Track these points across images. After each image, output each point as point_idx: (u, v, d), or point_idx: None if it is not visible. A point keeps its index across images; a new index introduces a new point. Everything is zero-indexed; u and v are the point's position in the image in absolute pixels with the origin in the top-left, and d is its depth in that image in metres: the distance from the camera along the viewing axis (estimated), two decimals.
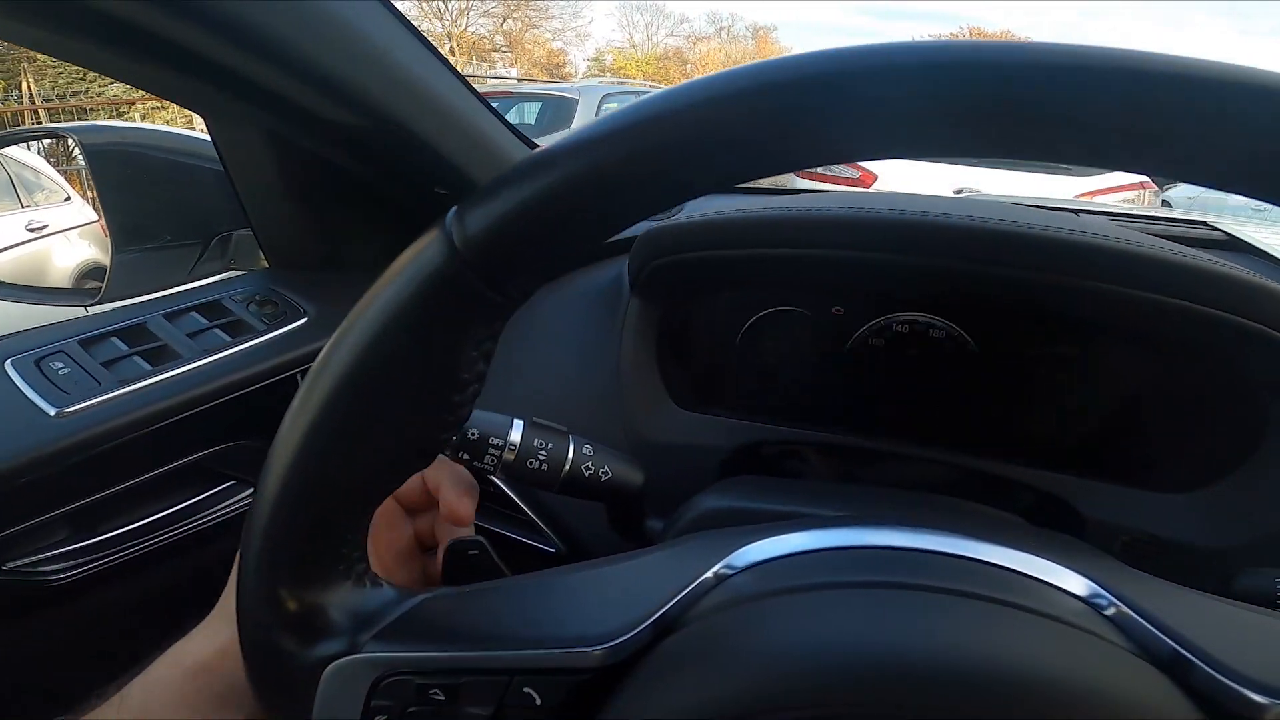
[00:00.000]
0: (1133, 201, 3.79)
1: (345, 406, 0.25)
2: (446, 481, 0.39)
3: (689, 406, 0.63)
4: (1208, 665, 0.23)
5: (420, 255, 0.24)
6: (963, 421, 0.58)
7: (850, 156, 0.22)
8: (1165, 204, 5.19)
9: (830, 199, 0.58)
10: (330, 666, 0.27)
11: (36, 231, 1.35)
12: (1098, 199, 3.61)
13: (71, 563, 0.53)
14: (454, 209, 0.24)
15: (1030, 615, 0.25)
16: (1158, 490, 0.52)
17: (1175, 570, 0.32)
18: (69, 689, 0.60)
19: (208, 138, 0.68)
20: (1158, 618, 0.25)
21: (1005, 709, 0.21)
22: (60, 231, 1.30)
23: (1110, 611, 0.26)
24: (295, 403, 0.26)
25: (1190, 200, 5.85)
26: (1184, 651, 0.24)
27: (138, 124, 1.14)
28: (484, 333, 0.26)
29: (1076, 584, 0.27)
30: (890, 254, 0.52)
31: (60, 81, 13.33)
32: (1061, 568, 0.28)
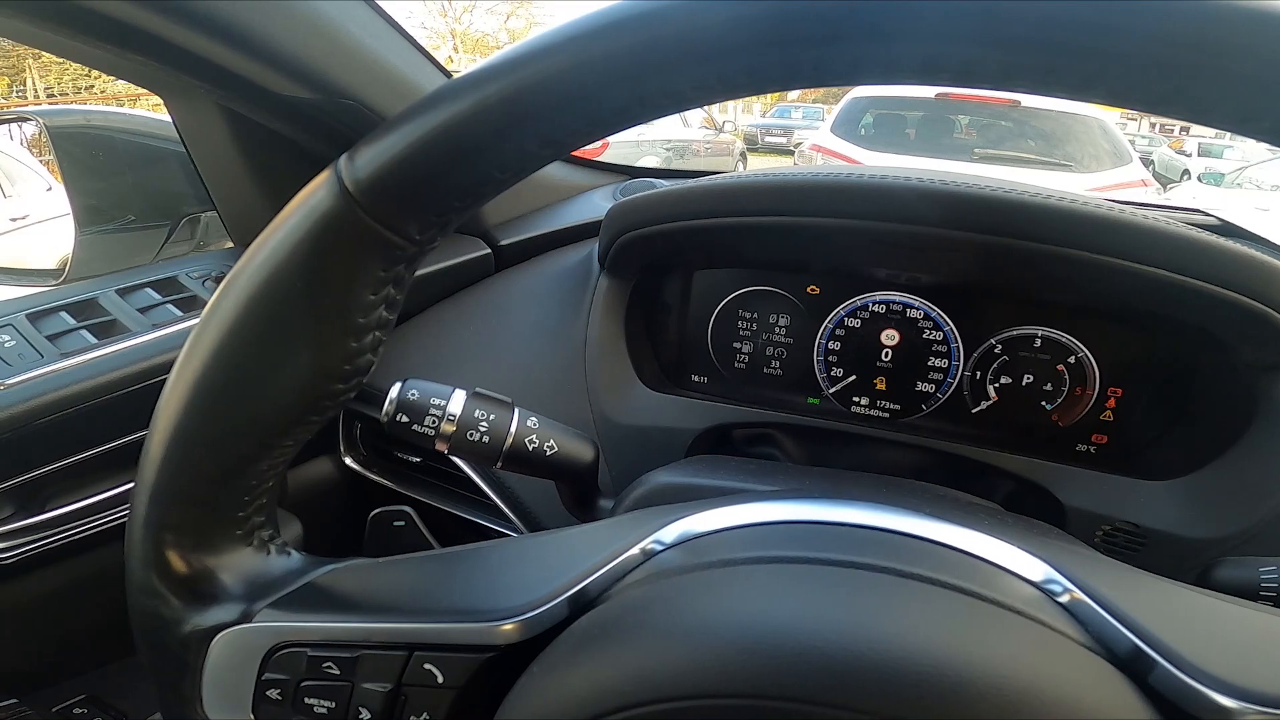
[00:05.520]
0: None
1: (229, 355, 0.24)
2: None
3: (657, 387, 0.62)
4: (1170, 662, 0.21)
5: (311, 195, 0.23)
6: (939, 404, 0.56)
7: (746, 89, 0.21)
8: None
9: (796, 169, 0.56)
10: (219, 635, 0.26)
11: (18, 221, 1.34)
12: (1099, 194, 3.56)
13: (15, 542, 0.52)
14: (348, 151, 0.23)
15: (964, 597, 0.22)
16: (1140, 477, 0.50)
17: (1156, 564, 0.30)
18: (18, 675, 0.59)
19: None
20: (1118, 608, 0.22)
21: (921, 700, 0.18)
22: (41, 222, 1.29)
23: (1065, 599, 0.23)
24: (181, 355, 0.25)
25: (1193, 200, 5.80)
26: (1144, 646, 0.21)
27: (105, 108, 1.12)
28: (383, 276, 0.24)
29: (1029, 567, 0.24)
30: (864, 219, 0.49)
31: (65, 78, 13.35)
32: (1013, 548, 0.24)
